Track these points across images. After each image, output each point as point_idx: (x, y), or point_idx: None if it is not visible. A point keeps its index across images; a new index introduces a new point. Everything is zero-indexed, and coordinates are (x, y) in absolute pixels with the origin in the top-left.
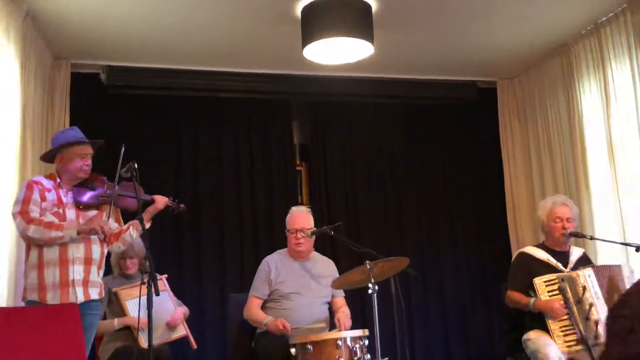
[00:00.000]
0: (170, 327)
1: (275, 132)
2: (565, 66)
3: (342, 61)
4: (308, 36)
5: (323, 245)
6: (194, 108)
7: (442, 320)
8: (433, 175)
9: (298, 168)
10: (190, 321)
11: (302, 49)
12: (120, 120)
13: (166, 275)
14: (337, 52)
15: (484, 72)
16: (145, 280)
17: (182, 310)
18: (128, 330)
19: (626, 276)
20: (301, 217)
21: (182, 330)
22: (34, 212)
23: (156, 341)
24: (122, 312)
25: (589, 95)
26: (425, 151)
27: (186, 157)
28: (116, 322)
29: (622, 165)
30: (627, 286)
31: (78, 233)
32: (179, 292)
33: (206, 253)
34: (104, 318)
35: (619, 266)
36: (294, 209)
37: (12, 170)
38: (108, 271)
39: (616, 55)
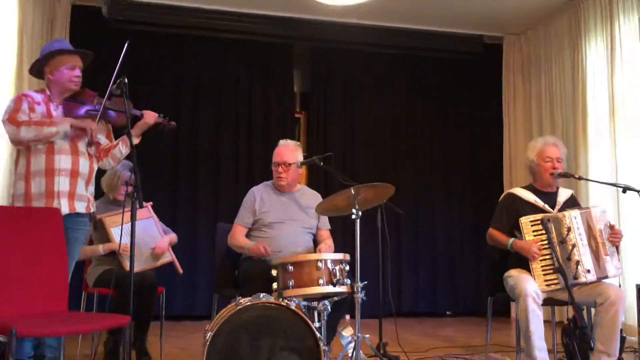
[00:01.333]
0: (156, 254)
1: (276, 78)
2: (574, 22)
3: (346, 2)
4: None
5: (317, 182)
6: (195, 47)
7: (432, 269)
8: (432, 128)
9: (297, 115)
10: (182, 246)
11: None
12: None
13: (151, 203)
14: None
15: (491, 27)
16: (129, 207)
17: (167, 239)
18: (115, 255)
19: (597, 217)
20: (286, 151)
21: (168, 257)
22: (22, 118)
23: (141, 267)
24: (108, 239)
25: (594, 51)
26: (426, 104)
27: (185, 98)
28: (101, 248)
29: (622, 121)
30: (601, 227)
31: (71, 126)
32: (173, 221)
33: (201, 190)
34: (90, 243)
35: (588, 209)
36: (281, 142)
37: (8, 94)
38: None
39: (625, 10)
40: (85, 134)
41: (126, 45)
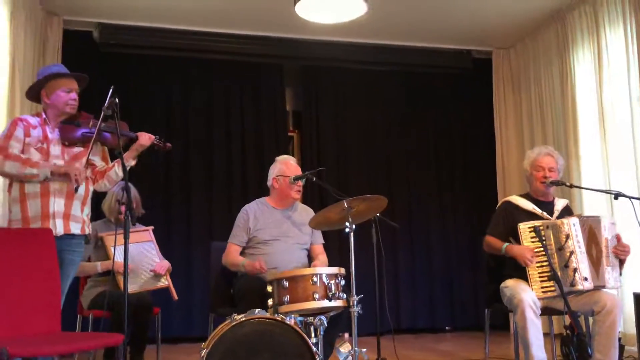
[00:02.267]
0: (154, 276)
1: (268, 97)
2: (561, 34)
3: (335, 20)
4: None
5: (312, 197)
6: (186, 69)
7: (429, 283)
8: (425, 144)
9: (290, 134)
10: (177, 271)
11: (294, 5)
12: (112, 79)
13: (152, 227)
14: (329, 10)
15: (480, 42)
16: (131, 228)
17: (167, 263)
18: (112, 276)
19: (605, 227)
20: (297, 166)
21: (165, 281)
22: (14, 148)
23: (137, 288)
24: (107, 257)
25: (582, 62)
26: (418, 119)
27: (177, 121)
28: (99, 266)
29: (612, 130)
30: (608, 237)
31: (52, 173)
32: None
33: (195, 211)
34: (89, 261)
35: (598, 217)
36: (288, 157)
37: (1, 119)
38: (96, 215)
39: (610, 21)
40: (69, 179)
41: (111, 90)
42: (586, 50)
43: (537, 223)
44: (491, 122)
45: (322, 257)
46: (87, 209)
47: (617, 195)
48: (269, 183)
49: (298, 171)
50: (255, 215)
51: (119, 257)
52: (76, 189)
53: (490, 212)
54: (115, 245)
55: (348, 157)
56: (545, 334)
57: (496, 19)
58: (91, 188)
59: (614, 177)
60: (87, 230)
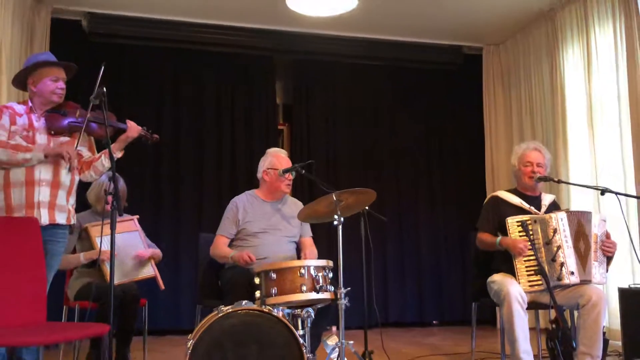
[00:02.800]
0: (138, 264)
1: (258, 90)
2: (551, 32)
3: (326, 13)
4: None
5: (302, 191)
6: (176, 60)
7: (417, 278)
8: (415, 139)
9: (280, 127)
10: (164, 262)
11: None
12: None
13: (137, 216)
14: (321, 3)
15: (471, 38)
16: (115, 218)
17: (152, 250)
18: (97, 268)
19: (596, 224)
20: (287, 159)
21: (151, 271)
22: (1, 135)
23: (123, 279)
24: (92, 249)
25: (571, 59)
26: (408, 114)
27: (166, 110)
28: (82, 256)
29: (600, 127)
30: (598, 233)
31: (45, 156)
32: (156, 234)
33: (184, 202)
34: (74, 252)
35: (589, 213)
36: (279, 150)
37: None
38: (81, 205)
39: (600, 19)
40: (63, 159)
41: (103, 67)
42: (576, 48)
43: (525, 217)
44: (481, 117)
45: (312, 248)
46: (73, 199)
47: (603, 191)
48: (259, 175)
49: (288, 164)
50: (244, 207)
51: (104, 247)
52: (69, 169)
53: (479, 207)
54: (101, 236)
55: (338, 151)
56: (531, 329)
57: (487, 16)
58: (77, 178)
59: (602, 173)
60: (73, 220)
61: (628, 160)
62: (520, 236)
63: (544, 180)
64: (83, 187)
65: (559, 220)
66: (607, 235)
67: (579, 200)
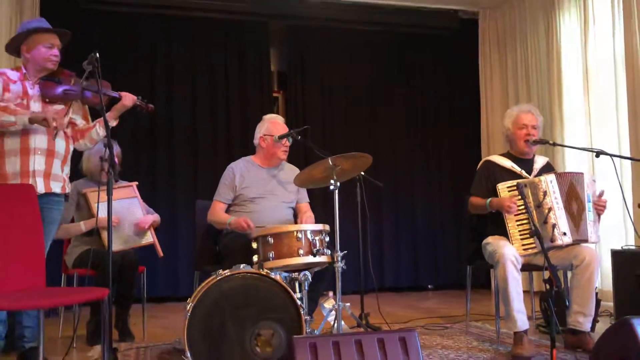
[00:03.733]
0: (138, 232)
1: (252, 57)
2: None
3: None
4: None
5: (297, 157)
6: (168, 27)
7: (413, 242)
8: (410, 105)
9: (275, 95)
10: (162, 227)
11: None
12: (92, 39)
13: (136, 183)
14: None
15: (467, 2)
16: (114, 185)
17: (151, 217)
18: (96, 235)
19: (587, 184)
20: (284, 126)
21: (150, 238)
22: None
23: (122, 246)
24: (90, 216)
25: (568, 23)
26: (404, 79)
27: (160, 78)
28: (83, 225)
29: (596, 91)
30: (589, 193)
31: (30, 121)
32: (153, 202)
33: (180, 170)
34: (72, 222)
35: (581, 174)
36: (276, 116)
37: None
38: (75, 174)
39: None
40: (48, 125)
41: (95, 55)
42: (572, 12)
43: (514, 182)
44: (476, 82)
45: (309, 213)
46: (67, 168)
47: (598, 154)
48: (256, 142)
49: (285, 130)
50: (241, 173)
51: (102, 214)
52: (55, 135)
53: (474, 172)
54: (98, 202)
55: (334, 117)
56: (525, 292)
57: None
58: (71, 147)
59: (596, 136)
60: (67, 189)
61: (623, 124)
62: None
63: (539, 143)
64: (76, 157)
65: (549, 183)
66: (600, 194)
67: (574, 163)
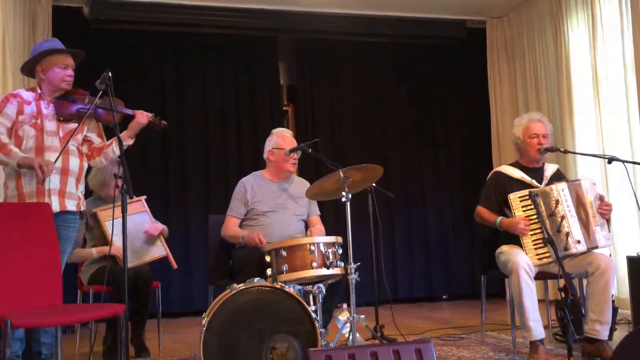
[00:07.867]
0: (148, 240)
1: (262, 72)
2: (555, 2)
3: None
4: None
5: (308, 170)
6: (179, 44)
7: (426, 253)
8: (420, 114)
9: (285, 108)
10: (175, 245)
11: None
12: (104, 56)
13: (145, 197)
14: None
15: (474, 11)
16: (127, 200)
17: (160, 225)
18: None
19: (587, 189)
20: (292, 139)
21: (162, 251)
22: (2, 125)
23: (135, 261)
24: (101, 235)
25: (576, 29)
26: (413, 91)
27: (171, 94)
28: (94, 252)
29: (605, 96)
30: (591, 197)
31: (19, 165)
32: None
33: (192, 185)
34: (84, 244)
35: (578, 180)
36: (284, 130)
37: None
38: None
39: None
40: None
41: (108, 75)
42: (580, 18)
43: (526, 192)
44: (486, 91)
45: (320, 226)
46: (82, 186)
47: (610, 160)
48: (265, 156)
49: (294, 144)
50: (252, 187)
51: (114, 234)
52: (42, 181)
53: (484, 179)
54: (113, 220)
55: (343, 130)
56: (541, 301)
57: None
58: (85, 165)
59: (608, 142)
60: (82, 207)
61: (635, 129)
62: (524, 211)
63: (550, 151)
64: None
65: (560, 191)
66: (601, 198)
67: (585, 170)
